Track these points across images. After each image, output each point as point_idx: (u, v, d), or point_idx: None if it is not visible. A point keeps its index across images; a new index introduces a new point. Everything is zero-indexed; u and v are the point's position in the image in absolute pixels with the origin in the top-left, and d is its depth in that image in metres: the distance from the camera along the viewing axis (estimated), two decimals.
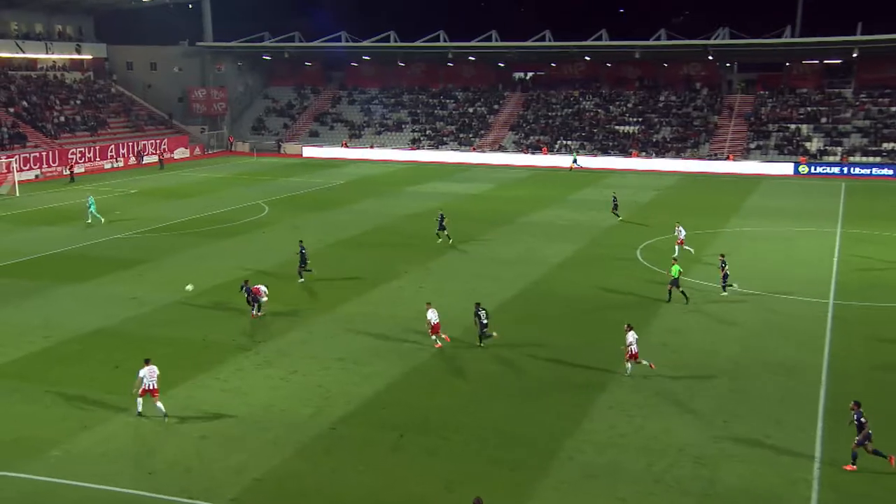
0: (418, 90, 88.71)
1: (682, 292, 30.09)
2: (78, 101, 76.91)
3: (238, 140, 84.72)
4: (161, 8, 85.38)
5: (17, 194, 53.93)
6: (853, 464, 18.14)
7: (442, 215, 40.86)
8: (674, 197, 55.26)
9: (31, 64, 78.27)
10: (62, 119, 72.27)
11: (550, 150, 75.60)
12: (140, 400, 20.75)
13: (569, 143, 76.44)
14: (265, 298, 28.38)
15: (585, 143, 76.17)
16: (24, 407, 21.15)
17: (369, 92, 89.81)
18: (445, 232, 40.01)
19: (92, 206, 45.37)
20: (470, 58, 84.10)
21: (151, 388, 20.69)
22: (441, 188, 59.18)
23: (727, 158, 70.26)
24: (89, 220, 44.60)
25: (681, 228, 37.37)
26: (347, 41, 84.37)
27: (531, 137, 78.42)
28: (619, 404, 21.60)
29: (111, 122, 77.23)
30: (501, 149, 76.69)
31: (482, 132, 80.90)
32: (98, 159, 69.36)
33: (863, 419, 18.16)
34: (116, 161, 71.00)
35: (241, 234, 42.13)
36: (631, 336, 23.21)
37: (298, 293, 31.33)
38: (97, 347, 25.44)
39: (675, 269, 30.09)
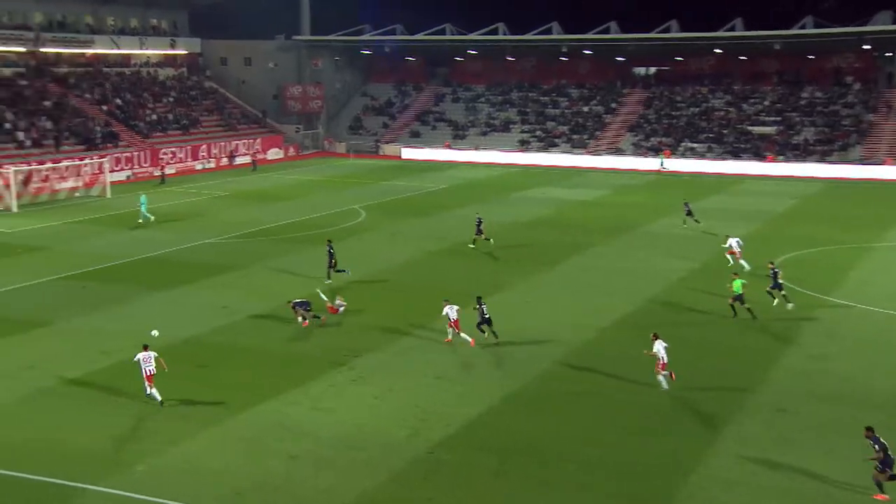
0: (528, 87, 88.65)
1: (749, 309, 29.52)
2: (171, 99, 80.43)
3: (334, 140, 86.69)
4: (257, 0, 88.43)
5: (109, 196, 56.73)
6: (881, 492, 18.05)
7: (480, 219, 41.24)
8: (816, 206, 53.20)
9: (125, 60, 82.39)
10: (154, 117, 75.71)
11: (674, 153, 74.12)
12: (147, 384, 22.73)
13: (694, 146, 74.75)
14: (342, 309, 29.06)
15: (713, 145, 74.30)
16: (110, 418, 22.13)
17: (475, 89, 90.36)
18: (483, 237, 40.58)
19: (143, 206, 47.72)
20: (586, 52, 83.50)
21: (150, 373, 22.66)
22: (551, 194, 58.88)
23: (883, 163, 67.07)
24: (140, 220, 47.01)
25: (736, 240, 37.03)
26: (452, 34, 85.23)
27: (652, 139, 77.08)
28: (752, 438, 20.87)
29: (203, 121, 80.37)
30: (618, 151, 75.68)
31: (597, 133, 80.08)
32: (189, 160, 72.25)
33: (876, 446, 18.21)
34: (208, 162, 73.80)
35: (336, 241, 42.91)
36: (658, 345, 23.65)
37: (395, 305, 31.70)
38: (185, 358, 26.40)
39: (738, 283, 29.88)
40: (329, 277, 34.35)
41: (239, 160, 75.77)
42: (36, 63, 73.27)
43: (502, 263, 38.36)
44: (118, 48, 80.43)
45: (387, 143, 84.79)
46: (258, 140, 79.48)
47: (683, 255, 39.16)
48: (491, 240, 40.78)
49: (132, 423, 21.80)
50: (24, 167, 56.11)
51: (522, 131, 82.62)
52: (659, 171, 69.80)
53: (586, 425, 21.71)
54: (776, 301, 30.88)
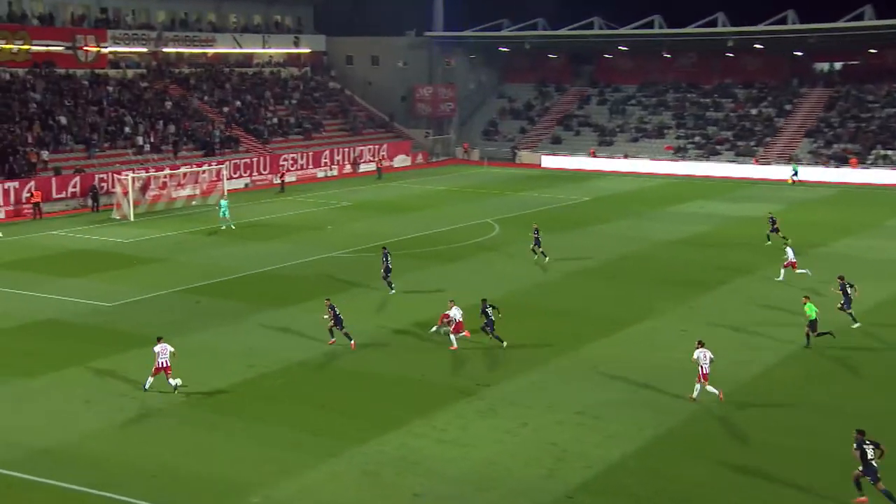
0: (686, 87, 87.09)
1: (829, 333, 29.26)
2: (293, 101, 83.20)
3: (470, 146, 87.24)
4: None
5: (227, 202, 59.03)
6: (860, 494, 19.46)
7: (537, 229, 42.27)
8: None
9: (247, 60, 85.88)
10: (275, 121, 78.48)
11: (862, 162, 71.03)
12: (151, 378, 25.85)
13: (888, 153, 71.42)
14: (458, 317, 29.51)
15: None
16: (222, 444, 22.97)
17: (625, 90, 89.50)
18: (541, 249, 41.56)
19: (224, 211, 50.21)
20: (756, 46, 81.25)
21: (165, 365, 25.71)
22: (711, 208, 57.55)
23: None
24: (223, 227, 49.98)
25: (789, 249, 38.15)
26: (601, 28, 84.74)
27: (834, 146, 74.15)
28: None
29: (326, 125, 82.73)
30: (793, 160, 73.16)
31: (767, 139, 77.74)
32: (310, 167, 74.41)
33: (864, 447, 19.41)
34: (330, 169, 75.85)
35: (466, 257, 43.39)
36: (699, 353, 24.92)
37: (529, 330, 31.66)
38: (301, 381, 27.16)
39: (811, 308, 29.39)
40: (392, 287, 36.26)
41: (363, 168, 77.56)
42: (157, 64, 77.34)
43: (651, 286, 37.72)
44: (240, 47, 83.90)
45: (524, 149, 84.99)
46: (384, 146, 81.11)
47: (875, 280, 37.27)
48: (546, 257, 41.50)
49: (246, 449, 22.56)
50: (143, 174, 59.19)
51: (678, 137, 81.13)
52: (791, 181, 67.76)
53: (753, 473, 21.03)
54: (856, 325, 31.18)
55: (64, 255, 44.03)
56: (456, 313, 29.55)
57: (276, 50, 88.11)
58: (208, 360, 28.96)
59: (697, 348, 25.27)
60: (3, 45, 65.81)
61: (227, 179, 62.50)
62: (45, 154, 59.81)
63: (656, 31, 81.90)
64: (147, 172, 60.12)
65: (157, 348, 25.99)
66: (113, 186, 57.63)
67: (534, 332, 31.48)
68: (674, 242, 46.55)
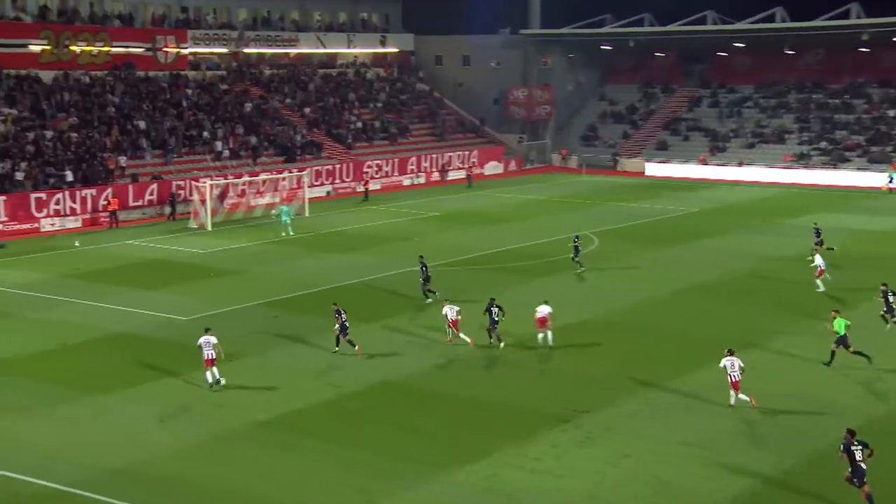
0: (811, 87, 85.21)
1: (861, 353, 29.13)
2: (378, 104, 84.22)
3: (569, 153, 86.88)
4: None
5: (307, 214, 60.11)
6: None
7: (577, 237, 44.20)
8: None
9: (331, 60, 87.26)
10: (359, 125, 79.55)
11: None
12: (208, 373, 27.99)
13: None
14: (452, 316, 31.64)
15: None
16: (299, 467, 23.27)
17: (740, 90, 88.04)
18: (577, 259, 43.18)
19: (285, 217, 52.82)
20: None
21: (210, 357, 27.79)
22: (837, 221, 56.09)
23: None
24: (283, 234, 52.35)
25: (818, 256, 40.19)
26: (715, 23, 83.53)
27: None
28: None
29: (413, 129, 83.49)
30: (894, 166, 70.90)
31: None
32: (396, 174, 75.19)
33: (853, 448, 20.30)
34: (417, 177, 76.47)
35: (562, 272, 43.21)
36: (727, 361, 26.38)
37: (632, 352, 31.32)
38: (384, 403, 27.36)
39: (841, 322, 29.36)
40: (427, 297, 37.87)
41: (452, 175, 77.98)
42: (237, 65, 79.18)
43: (767, 307, 37.00)
44: (323, 47, 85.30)
45: (627, 156, 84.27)
46: (474, 152, 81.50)
47: None
48: (583, 267, 43.00)
49: (324, 473, 22.81)
50: (221, 181, 60.62)
51: (801, 143, 79.40)
52: (890, 188, 66.70)
53: None
54: (889, 326, 32.19)
55: (140, 266, 45.33)
56: (450, 311, 31.97)
57: (362, 50, 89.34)
58: (287, 378, 29.42)
59: (726, 356, 26.55)
60: (85, 48, 68.24)
61: (309, 187, 63.57)
62: (122, 160, 61.77)
63: (778, 24, 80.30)
64: (225, 179, 61.62)
65: (201, 340, 28.20)
66: (190, 194, 59.13)
67: (635, 355, 31.14)
68: (791, 260, 45.55)
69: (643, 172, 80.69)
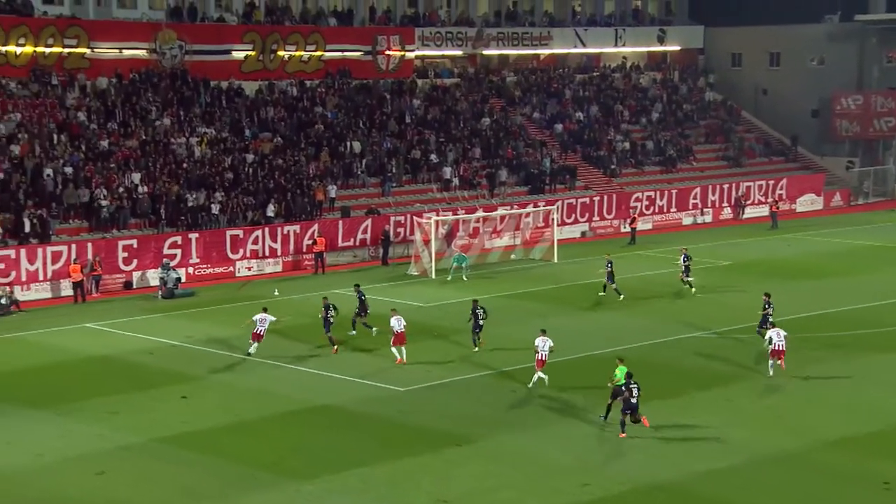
0: None
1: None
2: (652, 119, 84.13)
3: None
4: None
5: (556, 259, 60.74)
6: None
7: (610, 262, 50.49)
8: None
9: (591, 63, 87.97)
10: (626, 146, 79.61)
11: None
12: (254, 343, 40.31)
13: None
14: (399, 328, 38.34)
15: None
16: None
17: None
18: (614, 285, 50.12)
19: (461, 262, 55.63)
20: None
21: (260, 332, 39.69)
22: None
23: None
24: (449, 278, 55.63)
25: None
26: None
27: None
28: None
29: (698, 151, 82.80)
30: None
31: None
32: (673, 210, 74.80)
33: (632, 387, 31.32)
34: (702, 213, 75.77)
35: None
36: (772, 334, 36.59)
37: None
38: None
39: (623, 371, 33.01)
40: (354, 328, 43.90)
41: (750, 212, 76.96)
42: (474, 70, 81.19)
43: None
44: (583, 46, 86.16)
45: None
46: (782, 181, 80.00)
47: None
48: (605, 291, 50.31)
49: None
50: (449, 216, 62.09)
51: None
52: None
53: None
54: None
55: (347, 322, 47.04)
56: (396, 323, 38.38)
57: (633, 48, 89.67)
58: (527, 471, 29.80)
59: (770, 329, 37.32)
60: (294, 53, 71.97)
61: (559, 226, 64.08)
62: (332, 190, 64.59)
63: None
64: (455, 214, 62.92)
65: (257, 317, 40.18)
66: (411, 233, 60.83)
67: None
68: None
69: None
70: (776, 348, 36.73)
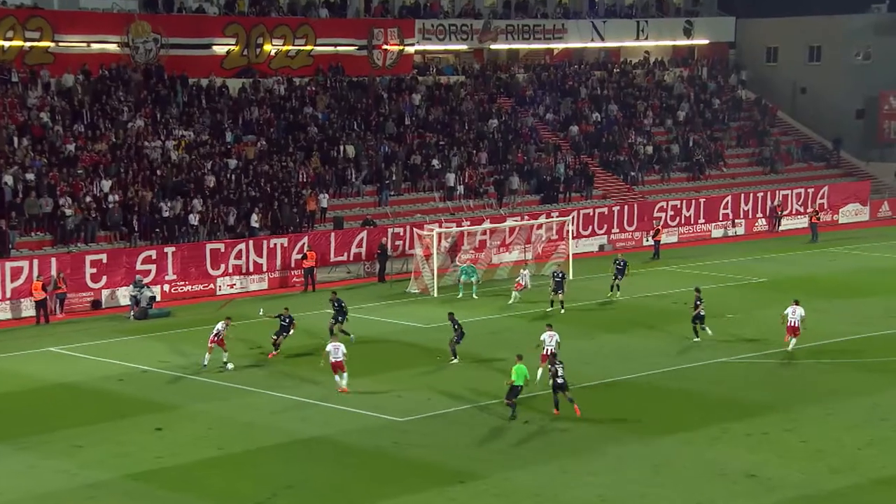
0: None
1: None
2: (678, 119, 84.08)
3: None
4: None
5: (571, 276, 60.56)
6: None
7: (624, 262, 54.53)
8: None
9: (610, 58, 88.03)
10: (649, 150, 79.61)
11: None
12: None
13: None
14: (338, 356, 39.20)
15: None
16: None
17: None
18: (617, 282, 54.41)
19: (470, 275, 55.80)
20: None
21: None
22: None
23: None
24: (461, 295, 55.94)
25: (526, 272, 54.96)
26: None
27: None
28: None
29: (728, 157, 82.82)
30: None
31: None
32: (702, 221, 74.75)
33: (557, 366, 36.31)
34: (733, 225, 75.72)
35: None
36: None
37: None
38: None
39: (521, 370, 36.67)
40: (332, 332, 44.43)
41: (787, 224, 76.99)
42: (480, 67, 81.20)
43: None
44: (601, 39, 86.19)
45: None
46: (823, 189, 80.00)
47: None
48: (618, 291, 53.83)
49: None
50: (453, 228, 61.98)
51: None
52: None
53: None
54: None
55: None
56: (332, 349, 39.47)
57: (657, 42, 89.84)
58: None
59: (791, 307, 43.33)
60: (281, 47, 71.96)
61: (574, 238, 64.00)
62: (323, 199, 64.48)
63: None
64: (459, 226, 62.89)
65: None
66: (411, 246, 60.65)
67: None
68: None
69: None
70: (792, 324, 44.16)
